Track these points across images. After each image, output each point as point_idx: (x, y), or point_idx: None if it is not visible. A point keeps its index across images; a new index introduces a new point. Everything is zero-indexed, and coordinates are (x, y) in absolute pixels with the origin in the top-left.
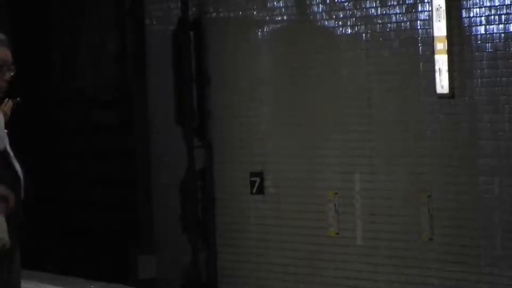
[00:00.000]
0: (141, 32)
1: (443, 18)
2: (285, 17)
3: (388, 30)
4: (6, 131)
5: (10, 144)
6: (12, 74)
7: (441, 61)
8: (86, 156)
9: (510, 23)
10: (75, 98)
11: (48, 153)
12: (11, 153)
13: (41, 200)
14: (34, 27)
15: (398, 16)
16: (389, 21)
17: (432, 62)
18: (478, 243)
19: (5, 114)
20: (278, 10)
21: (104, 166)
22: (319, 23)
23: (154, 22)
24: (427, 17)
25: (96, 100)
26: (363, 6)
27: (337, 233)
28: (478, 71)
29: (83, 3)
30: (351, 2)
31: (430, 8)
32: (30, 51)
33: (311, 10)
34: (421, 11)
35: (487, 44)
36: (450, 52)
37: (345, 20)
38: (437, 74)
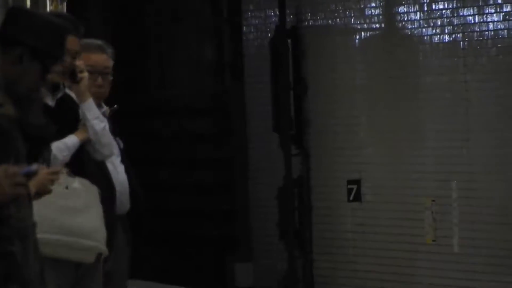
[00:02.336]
0: (238, 40)
1: None
2: (382, 25)
3: (486, 38)
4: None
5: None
6: (110, 79)
7: None
8: (184, 165)
9: None
10: (171, 107)
11: (145, 162)
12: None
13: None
14: (131, 36)
15: (495, 24)
16: (486, 28)
17: None
18: None
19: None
20: (376, 18)
21: (203, 175)
22: (416, 31)
23: (252, 30)
24: None
25: (193, 109)
26: (461, 14)
27: (434, 240)
28: None
29: (180, 12)
30: (449, 10)
31: None
32: (127, 60)
33: (409, 18)
34: None
35: None
36: None
37: (442, 27)
38: None
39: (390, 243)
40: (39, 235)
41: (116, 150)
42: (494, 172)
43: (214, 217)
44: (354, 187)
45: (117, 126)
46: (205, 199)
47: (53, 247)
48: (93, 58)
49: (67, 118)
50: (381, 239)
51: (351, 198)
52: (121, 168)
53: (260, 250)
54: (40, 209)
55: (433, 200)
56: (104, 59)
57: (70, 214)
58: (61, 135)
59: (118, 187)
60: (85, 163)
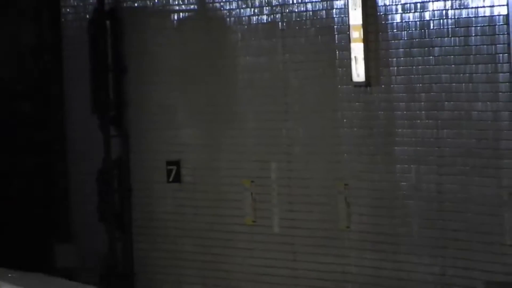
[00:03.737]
0: (57, 22)
1: (359, 6)
2: (200, 6)
3: (304, 18)
4: None
5: None
6: None
7: (357, 50)
8: (4, 148)
9: (425, 11)
10: None
11: None
12: None
13: None
14: None
15: (314, 4)
16: (305, 9)
17: (348, 50)
18: (396, 231)
19: None
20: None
21: (23, 158)
22: (234, 12)
23: (71, 11)
24: (343, 6)
25: (12, 91)
26: None
27: (254, 221)
28: (394, 59)
29: None
30: None
31: None
32: None
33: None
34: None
35: (403, 33)
36: (366, 40)
37: (261, 8)
38: (353, 63)
39: (211, 224)
40: None
41: None
42: (313, 152)
43: (34, 200)
44: (174, 168)
45: None
46: (25, 182)
47: None
48: None
49: None
50: (201, 220)
51: (170, 179)
52: None
53: (81, 232)
54: None
55: (253, 181)
56: None
57: None
58: None
59: None
60: None
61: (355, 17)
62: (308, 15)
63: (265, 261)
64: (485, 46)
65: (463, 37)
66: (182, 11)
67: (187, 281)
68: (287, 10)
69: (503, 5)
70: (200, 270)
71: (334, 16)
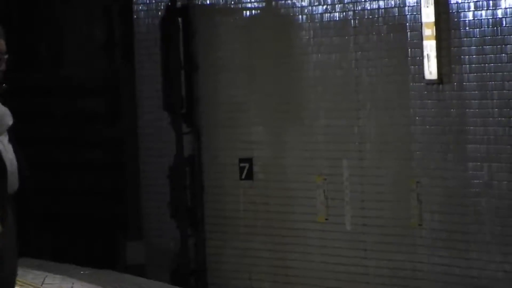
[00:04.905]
0: (129, 20)
1: (431, 4)
2: (271, 4)
3: (376, 16)
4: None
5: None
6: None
7: (430, 47)
8: (75, 145)
9: (498, 8)
10: (62, 86)
11: (37, 142)
12: (4, 141)
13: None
14: (22, 15)
15: (386, 1)
16: (377, 6)
17: (420, 48)
18: (467, 229)
19: None
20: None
21: (94, 155)
22: (306, 9)
23: (142, 9)
24: (416, 3)
25: (84, 88)
26: None
27: (326, 219)
28: (467, 57)
29: None
30: None
31: None
32: (18, 39)
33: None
34: None
35: (475, 30)
36: (438, 38)
37: (333, 5)
38: (425, 60)
39: (282, 221)
40: None
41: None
42: (385, 150)
43: (105, 196)
44: (246, 165)
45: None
46: (96, 178)
47: None
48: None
49: None
50: (273, 218)
51: (243, 176)
52: (9, 147)
53: (152, 229)
54: None
55: (325, 179)
56: (3, 43)
57: None
58: None
59: (8, 167)
60: None
61: (428, 15)
62: (380, 12)
63: (336, 258)
64: None
65: None
66: (254, 8)
67: (257, 278)
68: (359, 8)
69: None
70: (271, 267)
71: (406, 13)
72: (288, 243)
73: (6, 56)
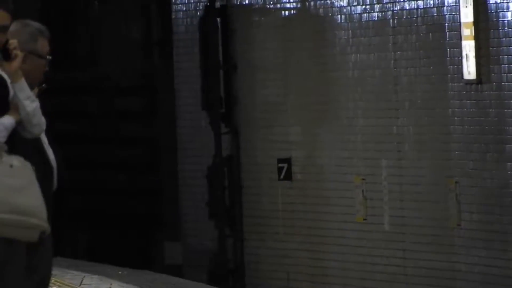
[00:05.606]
0: (167, 19)
1: (470, 4)
2: (310, 3)
3: (415, 16)
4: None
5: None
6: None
7: (468, 47)
8: (113, 143)
9: None
10: (100, 85)
11: (74, 140)
12: (46, 141)
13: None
14: (60, 14)
15: (425, 1)
16: (416, 6)
17: (459, 48)
18: (506, 229)
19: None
20: None
21: (131, 153)
22: (344, 9)
23: (181, 9)
24: (454, 3)
25: (121, 87)
26: None
27: (365, 219)
28: (505, 57)
29: None
30: None
31: None
32: (55, 38)
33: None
34: None
35: None
36: (477, 38)
37: (371, 5)
38: (464, 60)
39: (321, 221)
40: None
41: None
42: (423, 150)
43: (143, 195)
44: (285, 165)
45: (45, 104)
46: (134, 177)
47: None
48: (46, 43)
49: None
50: (311, 218)
51: (281, 176)
52: (49, 148)
53: (190, 229)
54: None
55: (363, 179)
56: (47, 45)
57: (17, 193)
58: None
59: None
60: (15, 142)
61: (467, 15)
62: (419, 12)
63: (375, 258)
64: None
65: None
66: (292, 8)
67: (295, 278)
68: (398, 8)
69: None
70: (309, 268)
71: (445, 13)
72: (326, 243)
73: (49, 57)
